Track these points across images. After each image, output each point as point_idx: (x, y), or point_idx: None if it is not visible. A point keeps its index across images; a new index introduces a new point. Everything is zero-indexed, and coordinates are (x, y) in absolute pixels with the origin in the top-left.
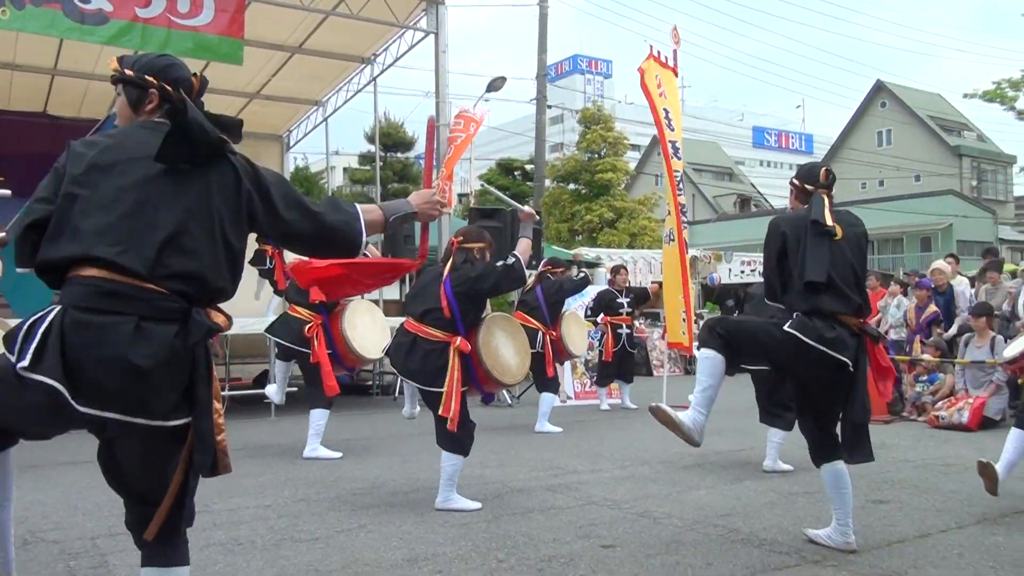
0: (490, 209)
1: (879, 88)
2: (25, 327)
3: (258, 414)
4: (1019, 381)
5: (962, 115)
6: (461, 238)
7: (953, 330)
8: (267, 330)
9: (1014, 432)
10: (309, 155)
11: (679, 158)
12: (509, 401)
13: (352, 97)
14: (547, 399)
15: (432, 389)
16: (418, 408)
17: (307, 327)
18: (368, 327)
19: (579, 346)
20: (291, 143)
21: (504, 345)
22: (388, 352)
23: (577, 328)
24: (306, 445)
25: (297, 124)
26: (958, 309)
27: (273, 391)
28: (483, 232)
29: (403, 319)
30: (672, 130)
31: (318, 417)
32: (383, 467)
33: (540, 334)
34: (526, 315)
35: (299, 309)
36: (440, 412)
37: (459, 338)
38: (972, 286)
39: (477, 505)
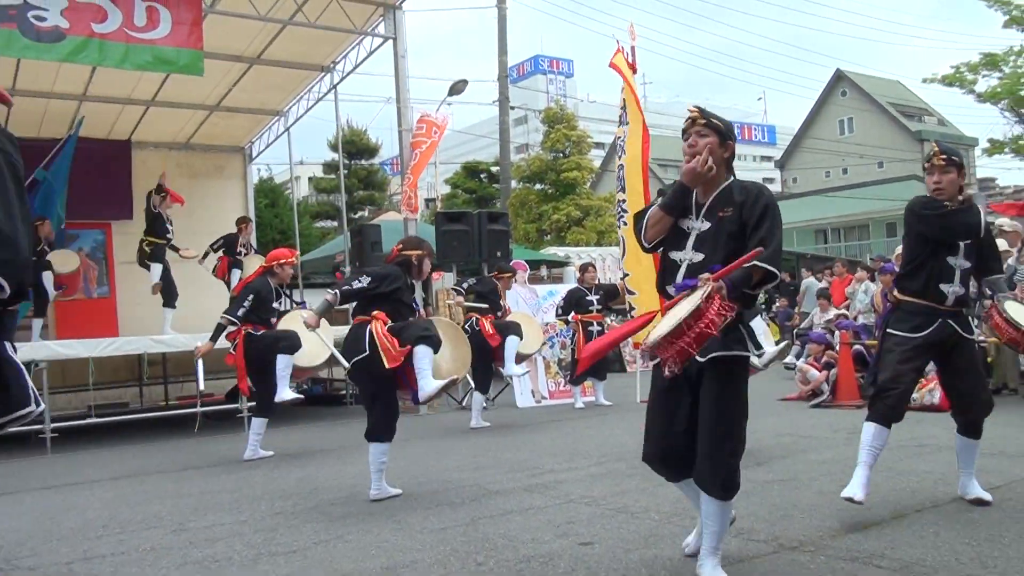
0: (457, 213)
1: (839, 77)
2: None
3: (232, 429)
4: (988, 359)
5: (922, 100)
6: (401, 246)
7: None
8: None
9: (958, 440)
10: (273, 166)
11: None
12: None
13: (313, 106)
14: (512, 342)
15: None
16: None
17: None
18: (305, 335)
19: (531, 344)
20: (254, 154)
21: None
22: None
23: (530, 328)
24: (246, 448)
25: (259, 135)
26: None
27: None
28: (422, 241)
29: (348, 326)
30: (624, 126)
31: (258, 425)
32: (359, 476)
33: (475, 318)
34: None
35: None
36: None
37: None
38: None
39: (397, 491)
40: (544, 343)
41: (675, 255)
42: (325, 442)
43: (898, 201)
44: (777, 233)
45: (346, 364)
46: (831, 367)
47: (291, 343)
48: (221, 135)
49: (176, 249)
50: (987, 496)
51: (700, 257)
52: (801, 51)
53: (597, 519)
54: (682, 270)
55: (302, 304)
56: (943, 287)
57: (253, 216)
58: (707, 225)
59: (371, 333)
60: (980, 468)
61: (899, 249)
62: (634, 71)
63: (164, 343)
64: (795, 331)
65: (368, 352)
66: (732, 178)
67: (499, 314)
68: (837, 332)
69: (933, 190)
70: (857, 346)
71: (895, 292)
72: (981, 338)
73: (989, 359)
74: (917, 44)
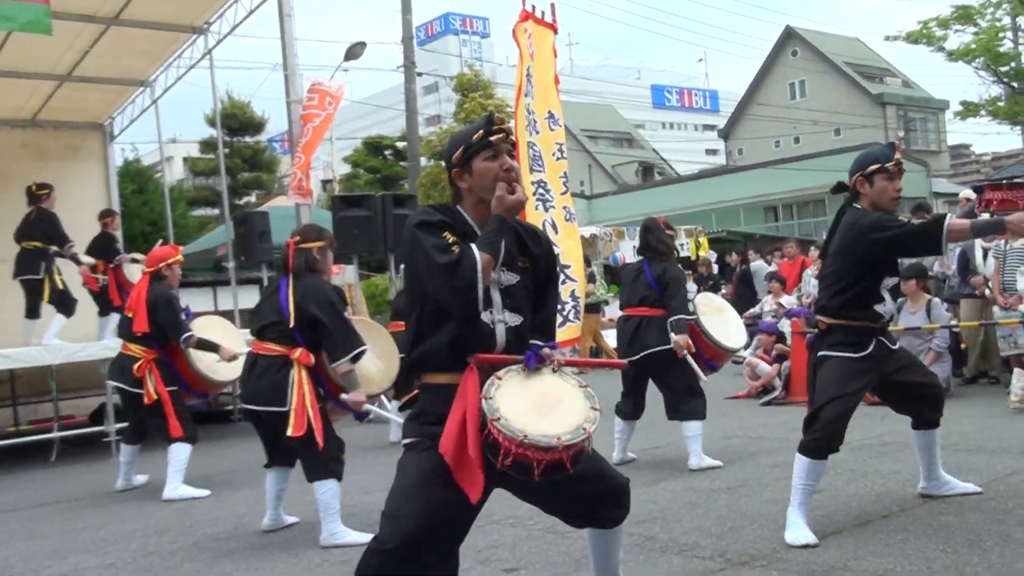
0: (357, 196)
1: (789, 35)
2: None
3: (97, 456)
4: (962, 346)
5: (884, 60)
6: (298, 238)
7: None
8: (108, 371)
9: (913, 435)
10: (140, 145)
11: (559, 125)
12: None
13: (185, 74)
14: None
15: (272, 409)
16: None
17: (137, 365)
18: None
19: None
20: (116, 132)
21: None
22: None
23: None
24: (166, 484)
25: (121, 109)
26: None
27: None
28: (321, 230)
29: None
30: (528, 97)
31: (178, 452)
32: (248, 504)
33: None
34: (399, 322)
35: (131, 346)
36: (290, 432)
37: (299, 349)
38: None
39: (294, 519)
40: None
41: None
42: (209, 466)
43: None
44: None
45: None
46: (783, 360)
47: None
48: (75, 109)
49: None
50: (973, 487)
51: (517, 320)
52: (746, 6)
53: (522, 542)
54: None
55: (187, 314)
56: (879, 308)
57: (118, 205)
58: (515, 278)
59: (292, 383)
60: (959, 466)
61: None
62: (555, 31)
63: (10, 358)
64: (743, 321)
65: (286, 409)
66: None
67: None
68: (788, 321)
69: (893, 199)
70: (812, 335)
71: (821, 317)
72: (954, 322)
73: (963, 345)
74: None
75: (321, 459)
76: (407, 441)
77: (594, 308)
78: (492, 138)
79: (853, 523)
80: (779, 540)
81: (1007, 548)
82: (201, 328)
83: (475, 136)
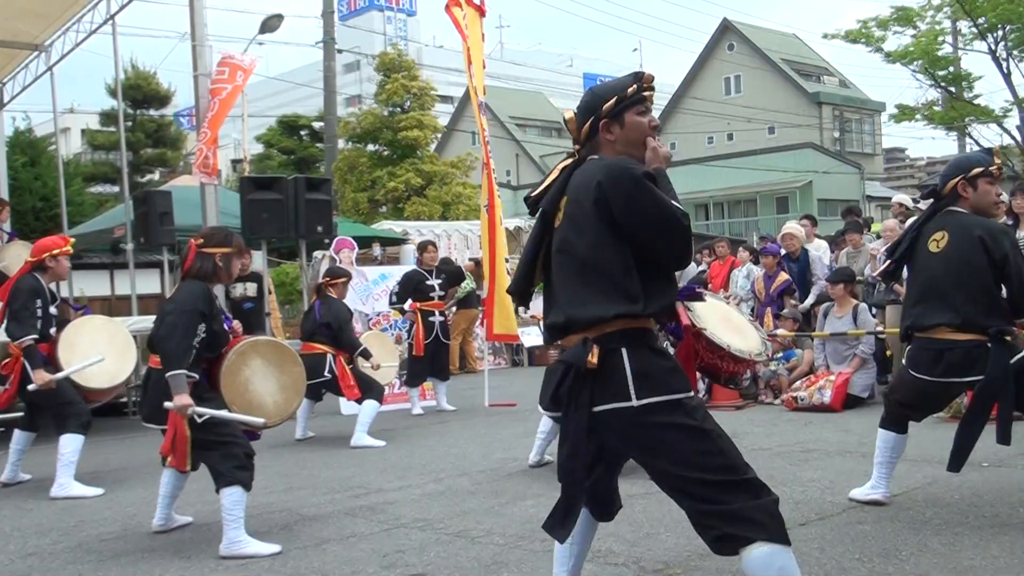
0: (267, 178)
1: (726, 28)
2: None
3: None
4: (887, 353)
5: (822, 58)
6: (201, 241)
7: (810, 300)
8: None
9: (880, 433)
10: (33, 114)
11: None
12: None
13: (85, 39)
14: (369, 407)
15: (150, 426)
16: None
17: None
18: (99, 347)
19: (387, 373)
20: (5, 99)
21: (262, 378)
22: None
23: (381, 349)
24: (54, 481)
25: (12, 75)
26: (814, 276)
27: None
28: (229, 235)
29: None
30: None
31: (68, 443)
32: (140, 503)
33: (330, 358)
34: (310, 343)
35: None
36: (159, 449)
37: None
38: (832, 250)
39: (275, 548)
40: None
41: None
42: (98, 462)
43: (791, 172)
44: None
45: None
46: None
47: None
48: None
49: None
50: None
51: None
52: None
53: (431, 545)
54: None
55: (84, 310)
56: None
57: (5, 179)
58: None
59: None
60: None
61: (785, 227)
62: (482, 14)
63: None
64: None
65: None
66: None
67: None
68: None
69: (996, 203)
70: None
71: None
72: (880, 328)
73: (888, 352)
74: None
75: (225, 466)
76: (689, 396)
77: (465, 302)
78: (645, 93)
79: None
80: (695, 548)
81: (923, 557)
82: (77, 329)
83: (629, 89)
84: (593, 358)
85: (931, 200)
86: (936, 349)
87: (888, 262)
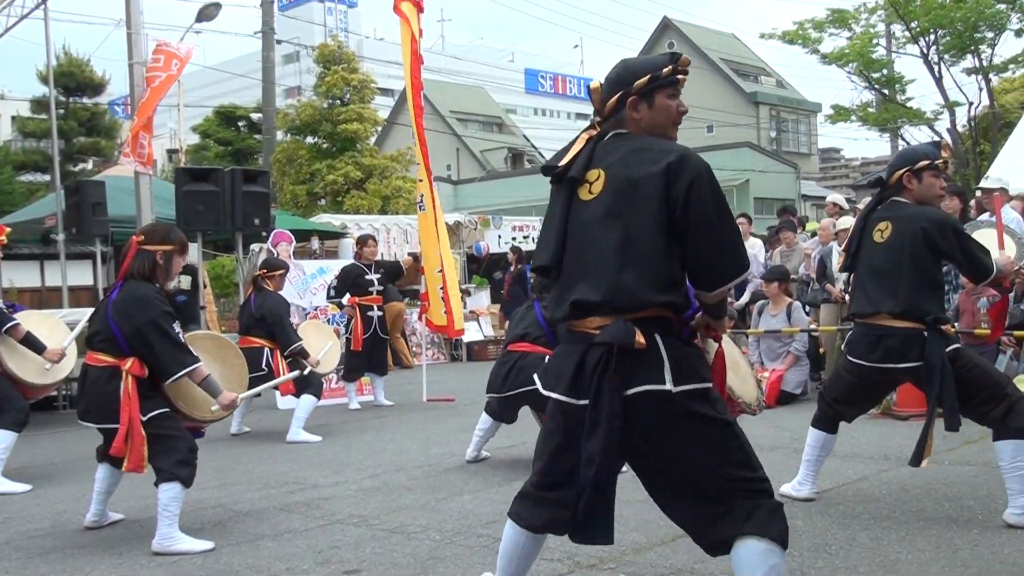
0: (204, 169)
1: (666, 26)
2: None
3: None
4: (820, 350)
5: (759, 58)
6: (142, 237)
7: (745, 298)
8: None
9: (812, 432)
10: None
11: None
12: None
13: (16, 24)
14: (306, 402)
15: (104, 426)
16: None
17: None
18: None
19: (331, 360)
20: None
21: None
22: None
23: (318, 338)
24: None
25: None
26: (750, 275)
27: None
28: (171, 232)
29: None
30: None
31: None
32: (70, 499)
33: (266, 352)
34: (248, 336)
35: None
36: (110, 450)
37: (131, 360)
38: (767, 248)
39: (208, 545)
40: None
41: None
42: (26, 457)
43: (728, 171)
44: None
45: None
46: None
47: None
48: None
49: None
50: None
51: None
52: None
53: (366, 542)
54: None
55: (15, 308)
56: None
57: None
58: None
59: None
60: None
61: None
62: (420, 9)
63: None
64: None
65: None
66: None
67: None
68: None
69: (939, 195)
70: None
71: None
72: (813, 326)
73: (821, 350)
74: None
75: (166, 461)
76: (712, 386)
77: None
78: (679, 76)
79: None
80: (630, 543)
81: (852, 551)
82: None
83: (664, 70)
84: (640, 339)
85: (877, 190)
86: (875, 335)
87: (843, 256)
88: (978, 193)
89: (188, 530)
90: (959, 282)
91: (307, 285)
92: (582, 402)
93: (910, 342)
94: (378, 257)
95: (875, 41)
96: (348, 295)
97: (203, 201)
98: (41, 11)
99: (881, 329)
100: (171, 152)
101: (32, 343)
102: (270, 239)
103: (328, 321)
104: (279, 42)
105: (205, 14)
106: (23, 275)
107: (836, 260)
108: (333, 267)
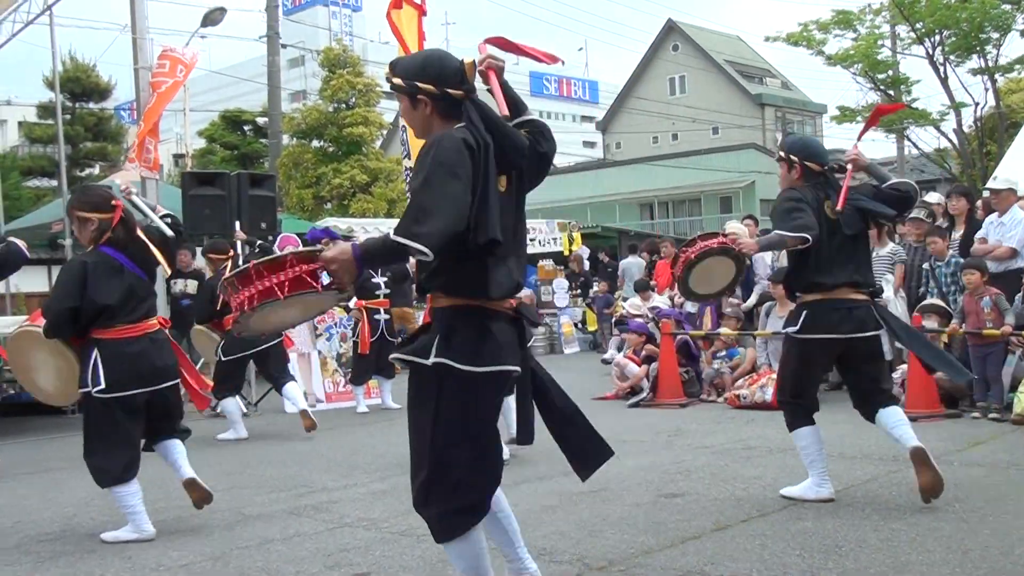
0: (210, 173)
1: (671, 29)
2: None
3: None
4: None
5: (764, 60)
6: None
7: (752, 299)
8: None
9: (796, 435)
10: None
11: None
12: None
13: (22, 30)
14: (292, 392)
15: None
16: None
17: None
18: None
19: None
20: None
21: (42, 364)
22: None
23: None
24: None
25: None
26: (757, 276)
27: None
28: (91, 197)
29: None
30: None
31: None
32: (79, 503)
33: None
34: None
35: None
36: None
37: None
38: None
39: (149, 532)
40: (320, 334)
41: None
42: (36, 461)
43: (734, 172)
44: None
45: None
46: (652, 361)
47: None
48: None
49: None
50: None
51: None
52: None
53: (376, 545)
54: None
55: None
56: None
57: None
58: None
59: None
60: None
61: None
62: (423, 13)
63: None
64: (614, 320)
65: None
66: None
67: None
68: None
69: None
70: (681, 336)
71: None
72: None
73: None
74: None
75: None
76: None
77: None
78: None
79: (712, 528)
80: (639, 545)
81: (862, 553)
82: None
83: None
84: None
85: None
86: (845, 308)
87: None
88: (985, 193)
89: (195, 533)
90: (963, 283)
91: None
92: None
93: (870, 313)
94: None
95: (880, 42)
96: (355, 299)
97: (209, 205)
98: (47, 17)
99: (848, 303)
100: (177, 157)
101: None
102: (276, 243)
103: (335, 324)
104: (284, 46)
105: (210, 19)
106: (30, 280)
107: (765, 261)
108: None
